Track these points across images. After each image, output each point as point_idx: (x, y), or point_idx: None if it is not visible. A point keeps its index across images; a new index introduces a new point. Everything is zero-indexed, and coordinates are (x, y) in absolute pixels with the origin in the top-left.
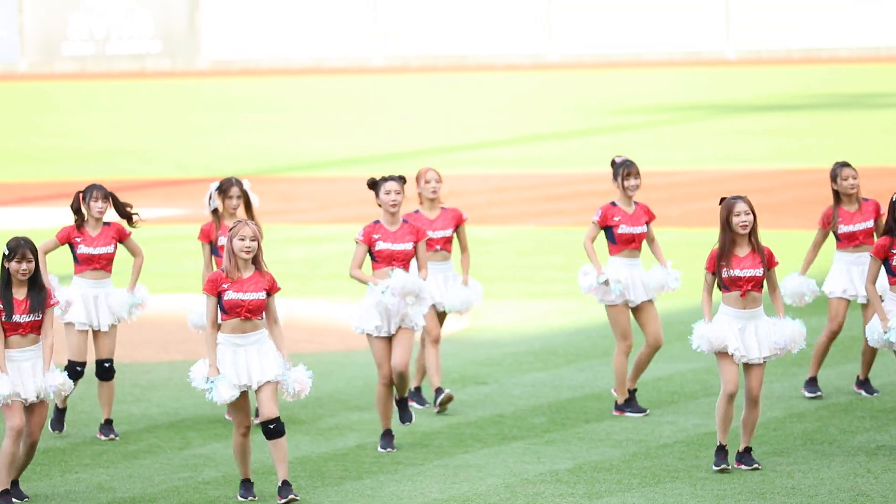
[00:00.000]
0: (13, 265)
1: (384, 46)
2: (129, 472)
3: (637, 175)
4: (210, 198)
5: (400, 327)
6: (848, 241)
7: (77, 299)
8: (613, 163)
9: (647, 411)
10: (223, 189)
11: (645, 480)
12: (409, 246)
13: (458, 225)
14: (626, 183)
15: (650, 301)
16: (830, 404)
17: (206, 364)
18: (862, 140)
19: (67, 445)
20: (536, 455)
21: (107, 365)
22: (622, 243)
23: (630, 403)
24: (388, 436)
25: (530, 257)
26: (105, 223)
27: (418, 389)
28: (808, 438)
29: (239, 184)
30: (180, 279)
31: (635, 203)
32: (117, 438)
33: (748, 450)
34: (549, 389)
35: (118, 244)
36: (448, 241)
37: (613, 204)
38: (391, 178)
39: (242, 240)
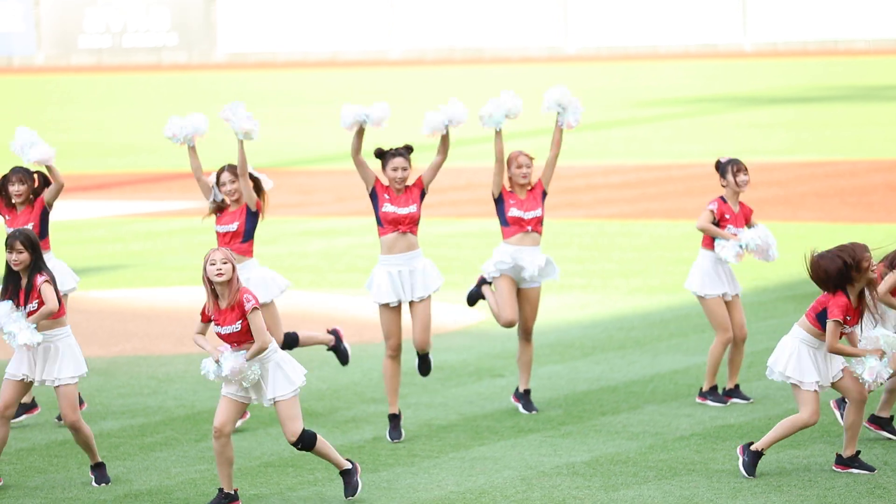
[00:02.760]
0: (7, 256)
1: (401, 39)
2: (145, 465)
3: (746, 171)
4: (213, 192)
5: (412, 301)
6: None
7: None
8: (719, 163)
9: (751, 399)
10: (217, 180)
11: (661, 473)
12: (413, 209)
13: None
14: (737, 178)
15: (737, 294)
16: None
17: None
18: (879, 132)
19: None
20: (553, 448)
21: None
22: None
23: (714, 393)
24: (394, 420)
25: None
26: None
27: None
28: (824, 431)
29: (231, 168)
30: (196, 272)
31: (739, 203)
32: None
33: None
34: (565, 382)
35: (44, 210)
36: (539, 221)
37: (724, 200)
38: (398, 153)
39: (213, 264)
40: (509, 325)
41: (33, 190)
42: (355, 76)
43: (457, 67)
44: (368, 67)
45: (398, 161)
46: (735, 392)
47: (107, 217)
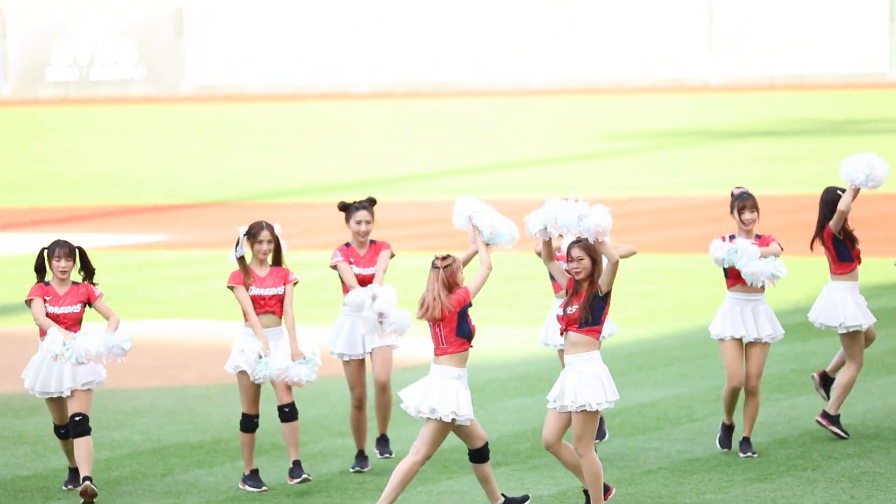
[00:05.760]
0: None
1: (368, 73)
2: (111, 499)
3: (753, 208)
4: (238, 244)
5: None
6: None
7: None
8: (732, 194)
9: (755, 454)
10: (253, 234)
11: None
12: (372, 270)
13: None
14: (742, 217)
15: (763, 340)
16: (814, 430)
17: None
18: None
19: (49, 471)
20: (520, 481)
21: (77, 419)
22: (733, 277)
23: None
24: (361, 454)
25: (514, 283)
26: (73, 282)
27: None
28: (791, 465)
29: (270, 228)
30: (165, 305)
31: (757, 236)
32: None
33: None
34: (534, 415)
35: (86, 306)
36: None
37: (732, 237)
38: (362, 206)
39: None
40: None
41: None
42: (323, 109)
43: (424, 101)
44: (336, 100)
45: (362, 214)
46: (744, 443)
47: None
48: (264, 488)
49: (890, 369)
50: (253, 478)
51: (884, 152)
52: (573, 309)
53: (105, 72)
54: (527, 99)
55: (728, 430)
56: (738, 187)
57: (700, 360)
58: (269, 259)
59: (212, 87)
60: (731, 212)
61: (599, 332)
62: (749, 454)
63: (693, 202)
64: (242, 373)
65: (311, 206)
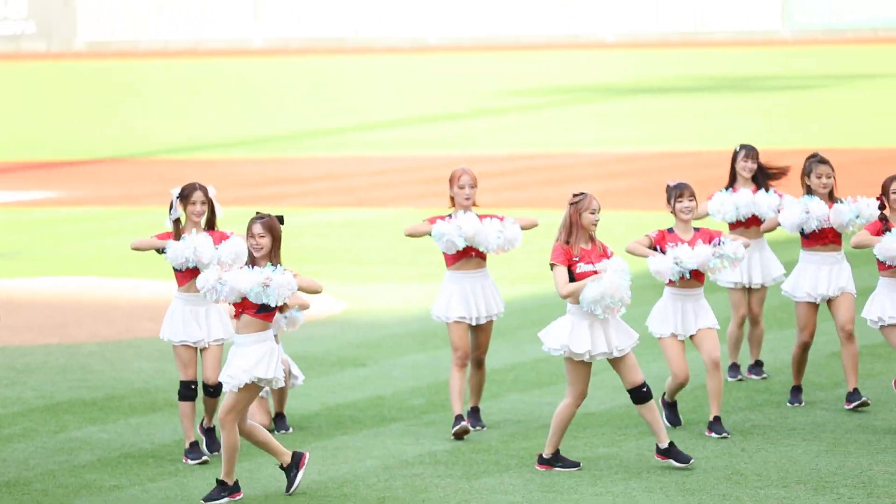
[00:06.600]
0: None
1: (264, 28)
2: (3, 456)
3: (691, 196)
4: (172, 207)
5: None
6: (816, 240)
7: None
8: (668, 187)
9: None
10: (185, 195)
11: (523, 461)
12: None
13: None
14: (678, 205)
15: (703, 329)
16: (704, 385)
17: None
18: (742, 123)
19: None
20: (415, 437)
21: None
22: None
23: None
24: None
25: (410, 240)
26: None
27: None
28: (683, 419)
29: (203, 189)
30: (59, 262)
31: (695, 229)
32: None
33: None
34: (427, 371)
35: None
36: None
37: (670, 231)
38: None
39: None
40: None
41: None
42: (218, 65)
43: (321, 57)
44: (231, 56)
45: (256, 228)
46: (715, 424)
47: None
48: (204, 458)
49: (781, 324)
50: (193, 450)
51: (776, 109)
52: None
53: None
54: (423, 55)
55: (670, 406)
56: (673, 181)
57: None
58: (203, 222)
59: (105, 44)
60: (668, 202)
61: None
62: (722, 435)
63: (590, 158)
64: (180, 343)
65: (205, 162)
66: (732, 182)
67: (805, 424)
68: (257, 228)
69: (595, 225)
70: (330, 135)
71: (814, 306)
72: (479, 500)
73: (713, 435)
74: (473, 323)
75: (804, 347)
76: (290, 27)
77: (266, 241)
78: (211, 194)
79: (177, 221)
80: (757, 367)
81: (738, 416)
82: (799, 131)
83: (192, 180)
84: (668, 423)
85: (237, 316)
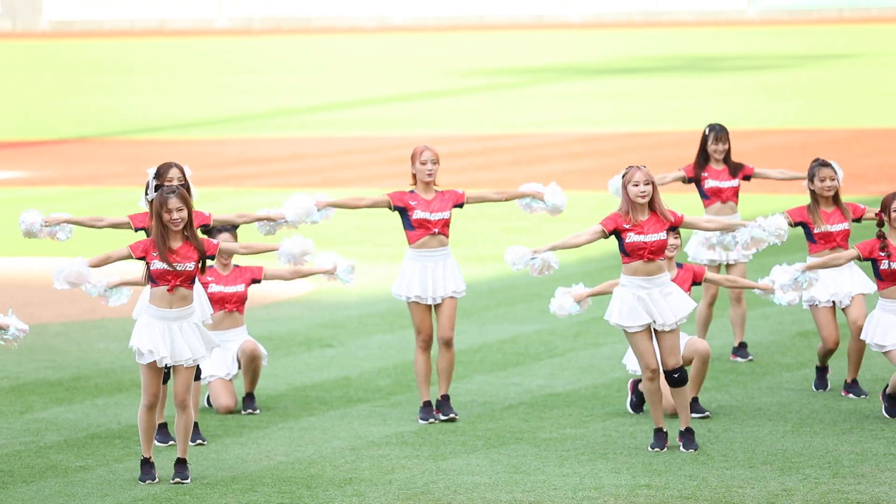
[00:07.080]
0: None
1: (228, 8)
2: None
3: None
4: (148, 188)
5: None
6: (825, 243)
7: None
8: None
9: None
10: (160, 174)
11: (489, 442)
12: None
13: (457, 205)
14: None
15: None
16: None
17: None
18: (704, 103)
19: None
20: (382, 417)
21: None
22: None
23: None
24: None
25: (375, 220)
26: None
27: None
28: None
29: (179, 167)
30: (24, 243)
31: (678, 264)
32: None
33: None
34: (394, 352)
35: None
36: (446, 224)
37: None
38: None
39: (169, 212)
40: None
41: None
42: (182, 45)
43: (284, 37)
44: (195, 36)
45: (172, 202)
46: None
47: None
48: (171, 443)
49: (749, 303)
50: (161, 431)
51: (741, 89)
52: None
53: None
54: (387, 35)
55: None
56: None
57: None
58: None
59: (69, 23)
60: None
61: None
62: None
63: (554, 139)
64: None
65: (170, 142)
66: (704, 163)
67: (771, 405)
68: (175, 202)
69: (642, 196)
70: (294, 114)
71: (832, 311)
72: (446, 480)
73: (696, 415)
74: (430, 302)
75: (828, 354)
76: (255, 7)
77: (185, 214)
78: (187, 175)
79: (153, 202)
80: (741, 349)
81: (704, 397)
82: (763, 111)
83: (160, 161)
84: (630, 410)
85: (171, 290)
